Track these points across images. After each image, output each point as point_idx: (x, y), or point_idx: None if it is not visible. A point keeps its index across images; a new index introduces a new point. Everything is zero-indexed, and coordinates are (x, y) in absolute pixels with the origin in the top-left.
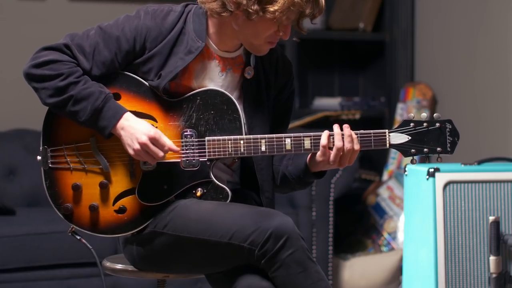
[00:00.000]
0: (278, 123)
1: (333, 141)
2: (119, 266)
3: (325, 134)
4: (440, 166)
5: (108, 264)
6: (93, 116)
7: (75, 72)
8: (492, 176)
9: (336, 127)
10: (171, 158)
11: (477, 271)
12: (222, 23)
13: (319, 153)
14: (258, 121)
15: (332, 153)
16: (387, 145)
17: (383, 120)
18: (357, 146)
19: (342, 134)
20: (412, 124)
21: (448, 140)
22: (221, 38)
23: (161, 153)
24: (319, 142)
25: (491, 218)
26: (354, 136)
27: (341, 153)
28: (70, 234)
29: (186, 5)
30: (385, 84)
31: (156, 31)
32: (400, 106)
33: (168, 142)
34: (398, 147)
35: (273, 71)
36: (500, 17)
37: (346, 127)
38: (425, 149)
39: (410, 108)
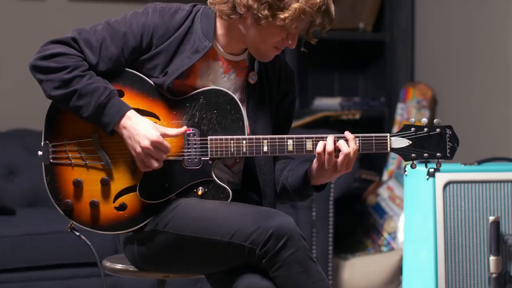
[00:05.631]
0: (278, 130)
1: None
2: (119, 266)
3: (330, 138)
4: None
5: (108, 264)
6: (97, 112)
7: (81, 66)
8: (492, 176)
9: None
10: (173, 156)
11: (477, 271)
12: (231, 25)
13: (314, 161)
14: (261, 125)
15: (325, 158)
16: (388, 149)
17: (383, 120)
18: (352, 147)
19: (338, 138)
20: (413, 129)
21: (448, 146)
22: (228, 40)
23: (163, 157)
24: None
25: (491, 218)
26: (351, 138)
27: (334, 160)
28: (69, 230)
29: (194, 5)
30: (385, 84)
31: (163, 29)
32: (400, 106)
33: (174, 132)
34: (399, 151)
35: (275, 78)
36: (500, 17)
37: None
38: (425, 154)
39: (410, 108)
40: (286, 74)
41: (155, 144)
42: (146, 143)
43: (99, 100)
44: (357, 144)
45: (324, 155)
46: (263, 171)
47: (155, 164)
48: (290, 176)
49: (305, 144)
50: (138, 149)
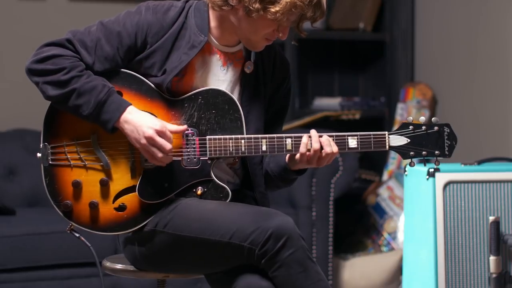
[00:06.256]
0: (273, 122)
1: (311, 144)
2: (119, 266)
3: (304, 138)
4: (440, 166)
5: (108, 264)
6: (96, 109)
7: (77, 66)
8: (492, 176)
9: (313, 131)
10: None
11: (477, 271)
12: (223, 17)
13: (298, 155)
14: (254, 115)
15: (311, 154)
16: (387, 147)
17: (383, 120)
18: (335, 148)
19: (320, 136)
20: (411, 127)
21: (446, 144)
22: (221, 32)
23: (168, 146)
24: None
25: (491, 218)
26: (330, 139)
27: (318, 155)
28: (68, 231)
29: (187, 1)
30: (385, 84)
31: (157, 26)
32: (400, 106)
33: (174, 128)
34: (397, 149)
35: (270, 67)
36: (500, 17)
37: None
38: (424, 152)
39: (410, 108)
40: (281, 62)
41: (159, 133)
42: (150, 132)
43: (99, 98)
44: (336, 145)
45: (307, 153)
46: (253, 161)
47: (160, 155)
48: (272, 162)
49: None
50: (143, 140)
